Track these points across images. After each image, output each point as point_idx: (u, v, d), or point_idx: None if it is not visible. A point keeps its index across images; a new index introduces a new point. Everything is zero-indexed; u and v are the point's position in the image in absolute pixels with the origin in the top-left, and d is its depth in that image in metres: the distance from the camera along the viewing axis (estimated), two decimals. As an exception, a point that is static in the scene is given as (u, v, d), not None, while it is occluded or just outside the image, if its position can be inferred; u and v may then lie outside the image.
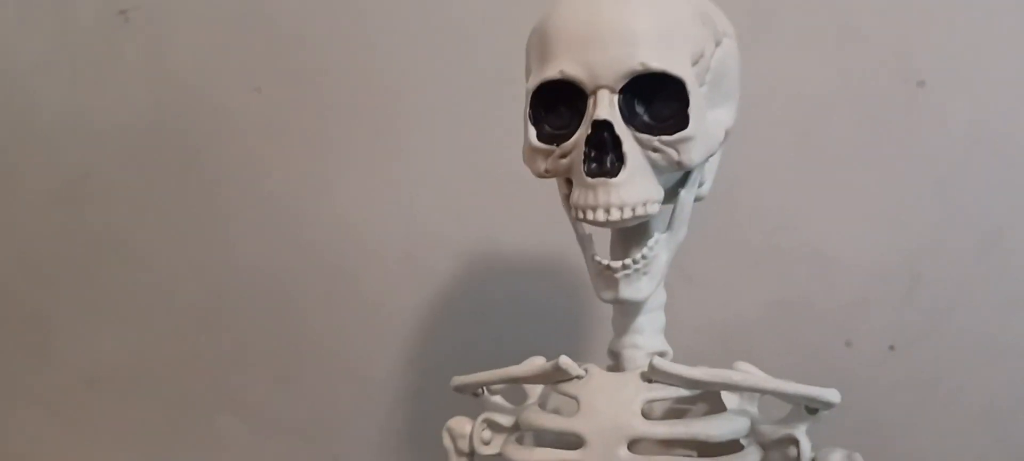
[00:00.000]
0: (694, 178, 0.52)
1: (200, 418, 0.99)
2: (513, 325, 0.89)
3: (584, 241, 0.53)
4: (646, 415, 0.50)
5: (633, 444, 0.49)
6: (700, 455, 0.52)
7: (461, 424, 0.60)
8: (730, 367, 0.52)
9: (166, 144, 0.96)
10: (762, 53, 0.79)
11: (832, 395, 0.49)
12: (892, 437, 0.82)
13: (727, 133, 0.53)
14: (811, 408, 0.50)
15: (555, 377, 0.53)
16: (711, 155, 0.51)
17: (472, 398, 0.61)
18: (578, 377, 0.52)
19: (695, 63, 0.48)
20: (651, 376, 0.50)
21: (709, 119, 0.50)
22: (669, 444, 0.50)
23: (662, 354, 0.54)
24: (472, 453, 0.60)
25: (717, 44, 0.51)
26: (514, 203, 0.87)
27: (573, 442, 0.50)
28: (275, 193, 0.94)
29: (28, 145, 1.00)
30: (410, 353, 0.93)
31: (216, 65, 0.94)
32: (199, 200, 0.97)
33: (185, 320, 0.99)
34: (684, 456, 0.50)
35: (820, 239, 0.82)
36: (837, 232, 0.82)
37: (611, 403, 0.50)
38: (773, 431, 0.51)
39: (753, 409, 0.53)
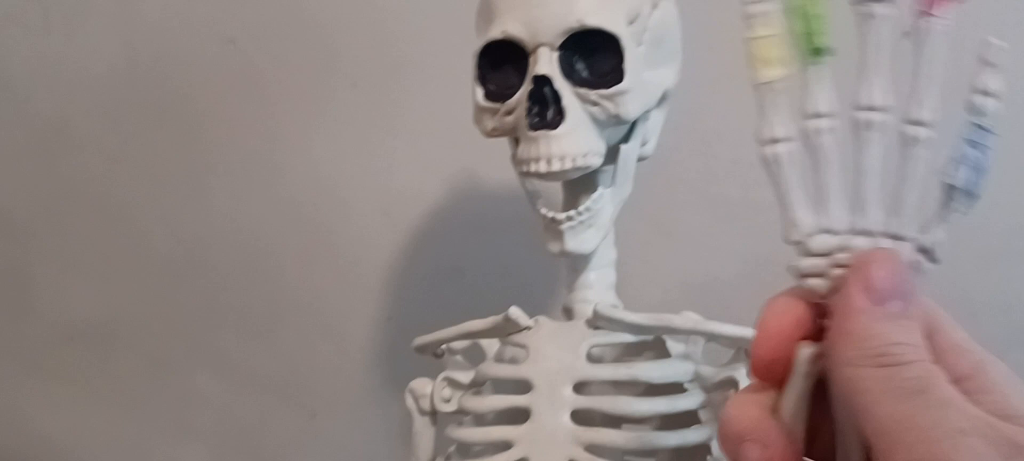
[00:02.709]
0: (637, 134, 0.59)
1: (177, 373, 1.04)
2: (490, 282, 0.93)
3: (532, 196, 0.60)
4: (595, 360, 0.56)
5: (579, 386, 0.55)
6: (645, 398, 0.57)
7: (422, 385, 0.66)
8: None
9: (141, 95, 1.00)
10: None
11: None
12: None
13: (667, 93, 0.60)
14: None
15: (507, 329, 0.60)
16: (648, 110, 0.59)
17: (434, 359, 0.67)
18: (528, 328, 0.59)
19: (631, 23, 0.56)
20: (596, 323, 0.57)
21: (647, 77, 0.57)
22: (616, 386, 0.57)
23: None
24: (434, 412, 0.66)
25: (654, 6, 0.58)
26: (491, 160, 0.89)
27: (523, 388, 0.57)
28: (251, 146, 0.99)
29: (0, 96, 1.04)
30: (387, 309, 0.98)
31: (189, 15, 0.98)
32: (175, 153, 1.01)
33: (161, 275, 1.03)
34: (628, 398, 0.54)
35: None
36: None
37: (558, 348, 0.57)
38: (715, 374, 0.57)
39: (697, 355, 0.59)
